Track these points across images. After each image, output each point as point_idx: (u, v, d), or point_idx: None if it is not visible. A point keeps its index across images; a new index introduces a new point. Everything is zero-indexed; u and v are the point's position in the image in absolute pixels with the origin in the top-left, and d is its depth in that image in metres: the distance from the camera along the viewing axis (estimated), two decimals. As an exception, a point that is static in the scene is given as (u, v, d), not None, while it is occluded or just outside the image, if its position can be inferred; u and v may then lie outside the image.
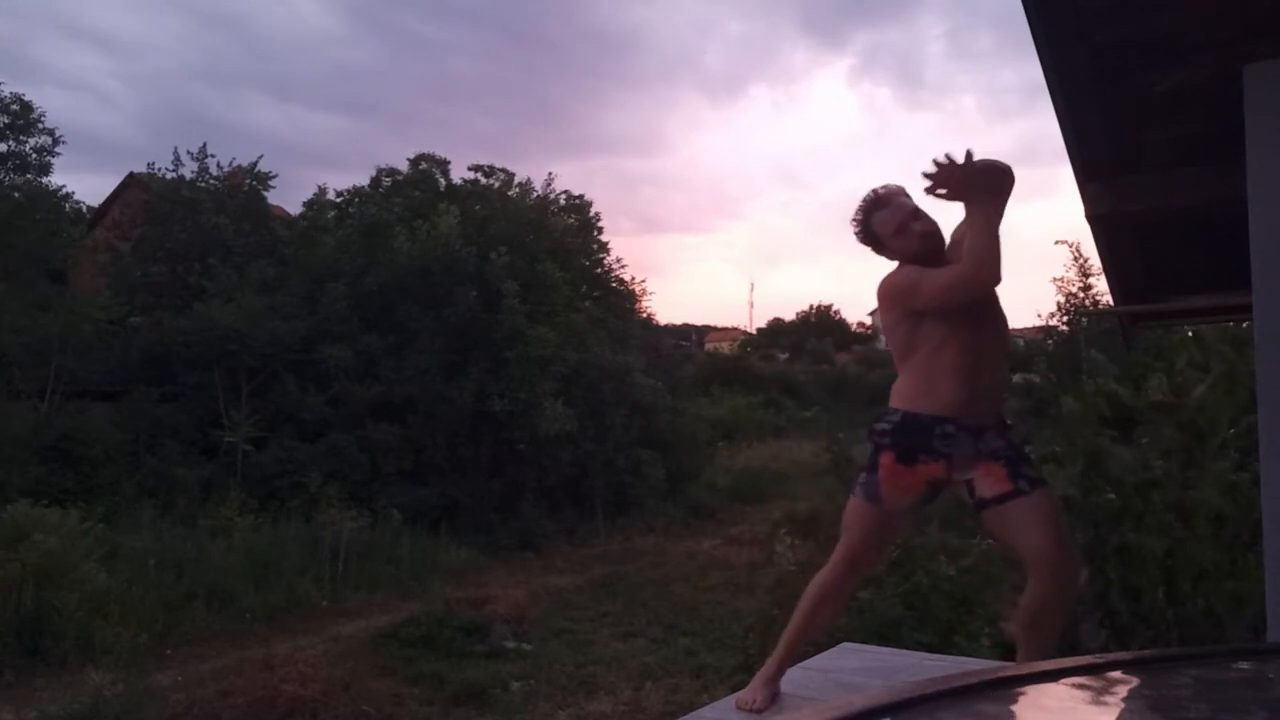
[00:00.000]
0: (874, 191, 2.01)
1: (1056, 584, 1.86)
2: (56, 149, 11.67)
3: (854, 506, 1.98)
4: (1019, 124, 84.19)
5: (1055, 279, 12.19)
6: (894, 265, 2.00)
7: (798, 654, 2.13)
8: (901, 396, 1.96)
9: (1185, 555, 3.82)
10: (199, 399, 11.67)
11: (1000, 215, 1.89)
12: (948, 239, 2.01)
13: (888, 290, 1.97)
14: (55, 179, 12.26)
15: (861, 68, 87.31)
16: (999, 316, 1.98)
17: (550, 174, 19.16)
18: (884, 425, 1.94)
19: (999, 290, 1.94)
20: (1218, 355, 4.20)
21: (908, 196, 2.00)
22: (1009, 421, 1.97)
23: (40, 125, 11.55)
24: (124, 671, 6.01)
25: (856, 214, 2.02)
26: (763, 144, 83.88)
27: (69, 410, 10.89)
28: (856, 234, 2.03)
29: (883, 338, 2.08)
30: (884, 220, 1.97)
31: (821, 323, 41.30)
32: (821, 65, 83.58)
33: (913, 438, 1.89)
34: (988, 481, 1.86)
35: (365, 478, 11.29)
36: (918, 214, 1.98)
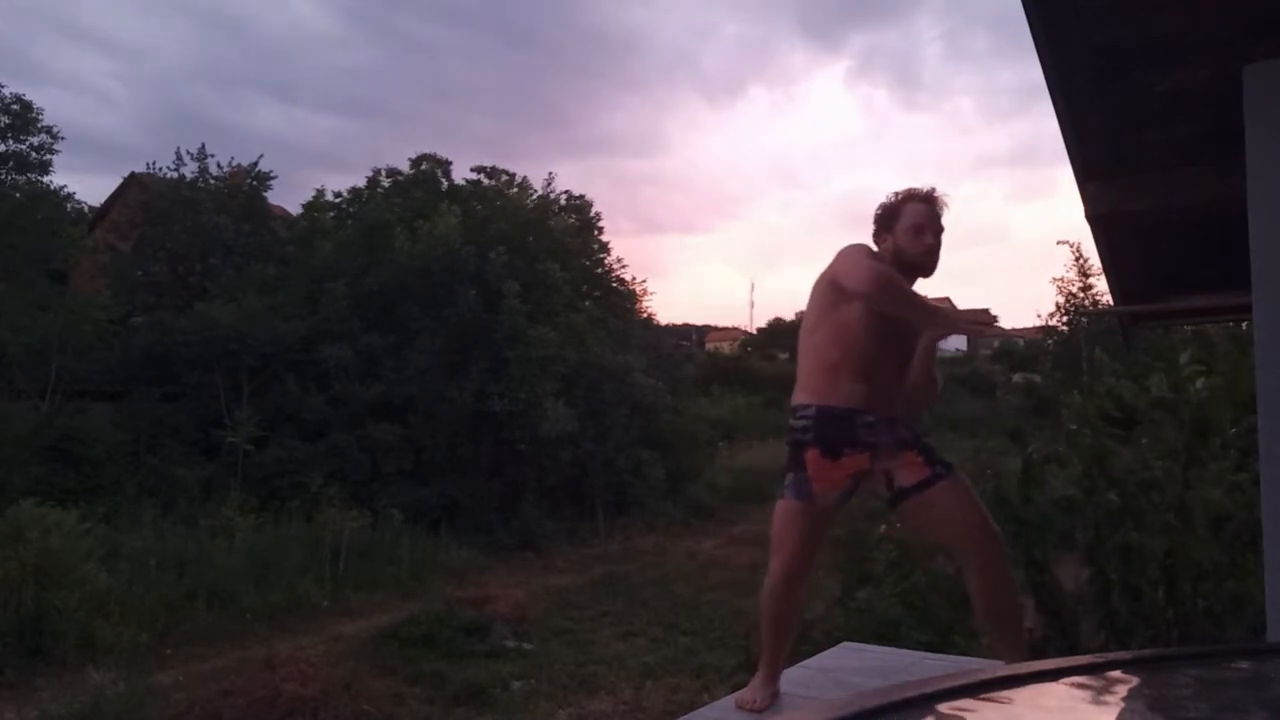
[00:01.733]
0: (930, 189, 2.04)
1: (990, 556, 1.91)
2: (56, 148, 11.70)
3: (786, 509, 1.97)
4: (1017, 125, 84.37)
5: (1055, 279, 12.19)
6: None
7: (785, 656, 2.13)
8: (807, 391, 1.98)
9: (1185, 555, 3.82)
10: (200, 399, 11.68)
11: (921, 318, 2.00)
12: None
13: (840, 255, 1.97)
14: (56, 179, 12.31)
15: (859, 69, 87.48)
16: (903, 338, 2.02)
17: (550, 174, 19.18)
18: (802, 421, 1.94)
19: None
20: (1222, 354, 4.20)
21: (943, 214, 2.03)
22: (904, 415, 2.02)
23: (40, 125, 11.57)
24: (125, 671, 6.02)
25: (901, 192, 2.04)
26: (762, 145, 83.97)
27: (70, 410, 10.90)
28: (885, 204, 2.04)
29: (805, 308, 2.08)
30: (916, 212, 2.00)
31: (822, 322, 41.12)
32: (819, 67, 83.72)
33: (833, 430, 1.92)
34: (908, 470, 1.91)
35: (366, 477, 11.30)
36: (939, 231, 2.01)
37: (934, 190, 2.03)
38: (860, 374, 1.94)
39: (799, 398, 1.99)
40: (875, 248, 2.02)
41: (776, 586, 2.01)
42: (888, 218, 2.02)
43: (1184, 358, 4.37)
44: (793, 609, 2.07)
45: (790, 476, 1.97)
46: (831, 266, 1.99)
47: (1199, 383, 4.01)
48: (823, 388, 1.95)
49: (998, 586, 1.94)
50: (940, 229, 2.01)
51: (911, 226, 1.97)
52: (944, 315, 1.99)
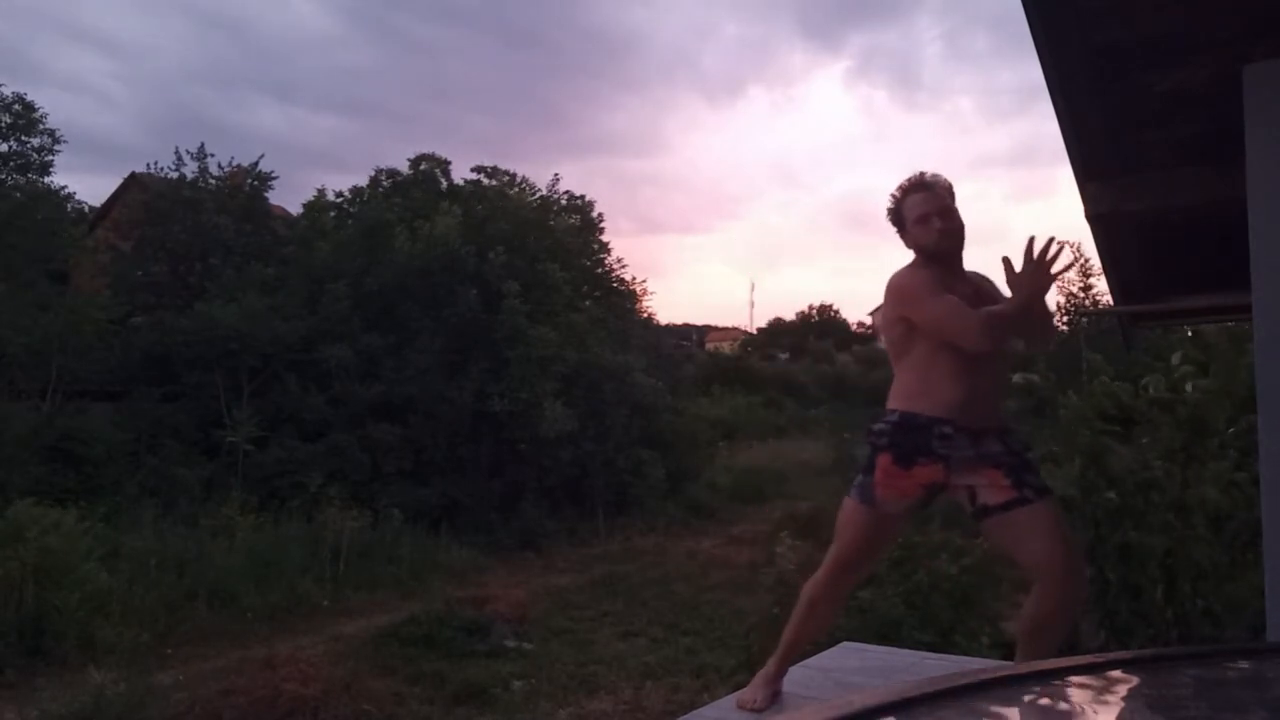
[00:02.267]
0: (921, 174, 2.01)
1: (1062, 594, 1.82)
2: (57, 148, 11.69)
3: (848, 508, 1.95)
4: (1016, 125, 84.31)
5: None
6: (908, 256, 2.00)
7: (798, 654, 2.13)
8: (899, 396, 1.93)
9: (1185, 555, 3.83)
10: (200, 399, 11.67)
11: (1024, 320, 1.89)
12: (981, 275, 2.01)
13: (894, 290, 1.96)
14: (56, 179, 12.31)
15: (859, 69, 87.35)
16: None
17: (556, 175, 19.18)
18: (881, 426, 1.92)
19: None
20: (1218, 353, 4.20)
21: (950, 196, 1.99)
22: (1011, 427, 1.95)
23: (41, 125, 11.57)
24: (125, 671, 6.01)
25: (897, 190, 2.02)
26: (761, 145, 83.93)
27: (70, 410, 10.90)
28: (889, 208, 2.03)
29: (881, 335, 2.07)
30: (915, 204, 1.97)
31: (822, 322, 41.30)
32: (819, 67, 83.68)
33: (910, 438, 1.86)
34: (991, 489, 1.83)
35: (366, 477, 11.30)
36: (947, 212, 1.96)
37: (925, 175, 2.00)
38: (953, 380, 1.86)
39: (890, 402, 1.95)
40: (905, 247, 2.01)
41: (822, 578, 1.98)
42: (898, 219, 2.02)
43: (1176, 358, 4.37)
44: (829, 609, 2.05)
45: (860, 478, 1.94)
46: (904, 305, 1.92)
47: (1189, 385, 4.01)
48: (911, 394, 1.91)
49: (1054, 624, 1.86)
50: (945, 208, 1.95)
51: (918, 219, 1.95)
52: (1025, 304, 1.84)
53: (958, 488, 1.87)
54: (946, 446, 1.84)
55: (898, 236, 2.03)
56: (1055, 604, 1.83)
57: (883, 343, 2.08)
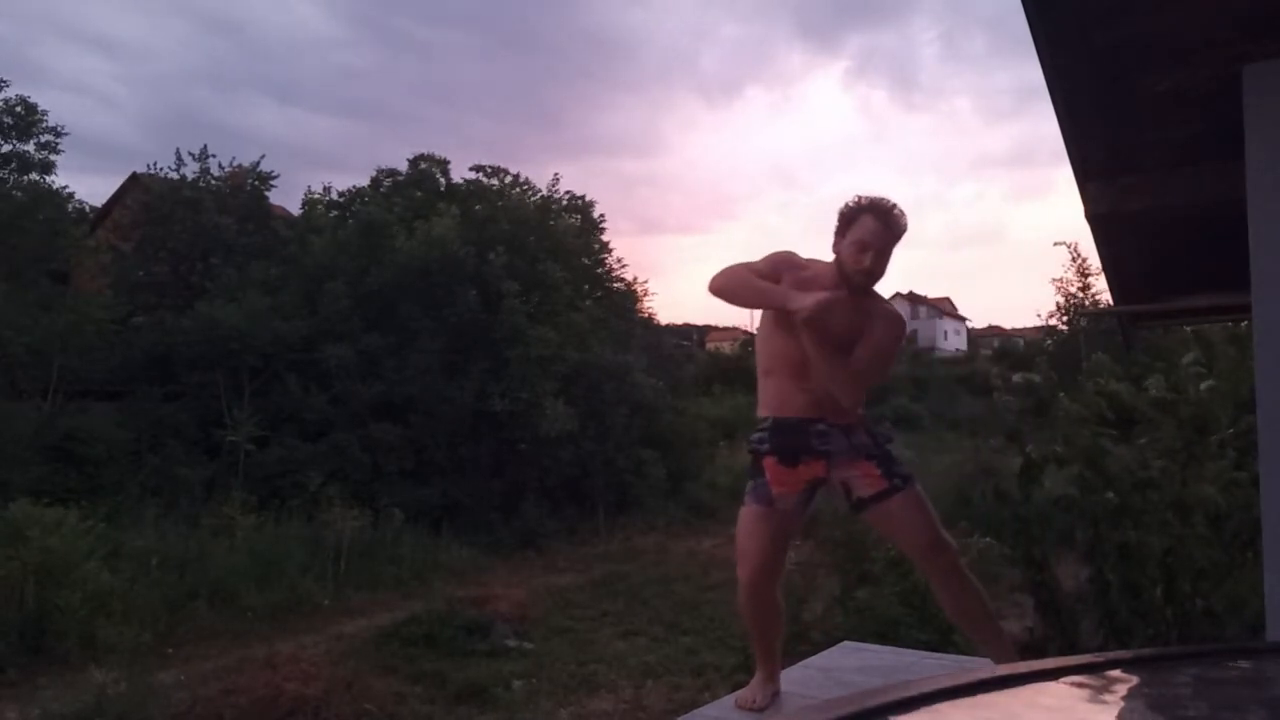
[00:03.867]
0: (893, 205, 1.96)
1: (945, 566, 1.94)
2: (59, 146, 11.69)
3: (748, 514, 2.01)
4: (1013, 125, 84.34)
5: (1054, 279, 12.20)
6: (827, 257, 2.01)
7: (778, 656, 2.14)
8: (766, 405, 2.03)
9: (1184, 554, 3.83)
10: (201, 398, 11.68)
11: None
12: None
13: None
14: (58, 180, 12.27)
15: (857, 70, 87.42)
16: (834, 338, 1.98)
17: (556, 175, 19.16)
18: (760, 434, 2.00)
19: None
20: (1222, 354, 4.20)
21: (898, 238, 1.97)
22: (868, 422, 2.00)
23: (43, 125, 11.57)
24: (126, 670, 6.02)
25: (863, 199, 1.98)
26: (759, 146, 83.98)
27: (72, 410, 10.90)
28: (845, 208, 1.99)
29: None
30: (867, 227, 1.93)
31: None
32: (817, 68, 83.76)
33: (790, 439, 1.96)
34: (864, 481, 1.93)
35: (367, 477, 11.30)
36: (884, 254, 1.95)
37: (894, 207, 1.95)
38: (799, 381, 1.95)
39: (759, 411, 2.04)
40: (831, 251, 2.00)
41: (745, 592, 2.03)
42: (844, 223, 1.98)
43: (1188, 359, 4.36)
44: (771, 610, 2.08)
45: (750, 484, 2.01)
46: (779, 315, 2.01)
47: (1203, 385, 4.00)
48: (775, 400, 2.00)
49: (959, 594, 1.97)
50: (885, 249, 1.94)
51: (856, 242, 1.93)
52: (788, 298, 1.91)
53: (835, 482, 1.97)
54: (826, 442, 1.94)
55: (836, 232, 2.00)
56: (946, 577, 1.95)
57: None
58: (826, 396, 1.94)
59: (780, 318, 1.97)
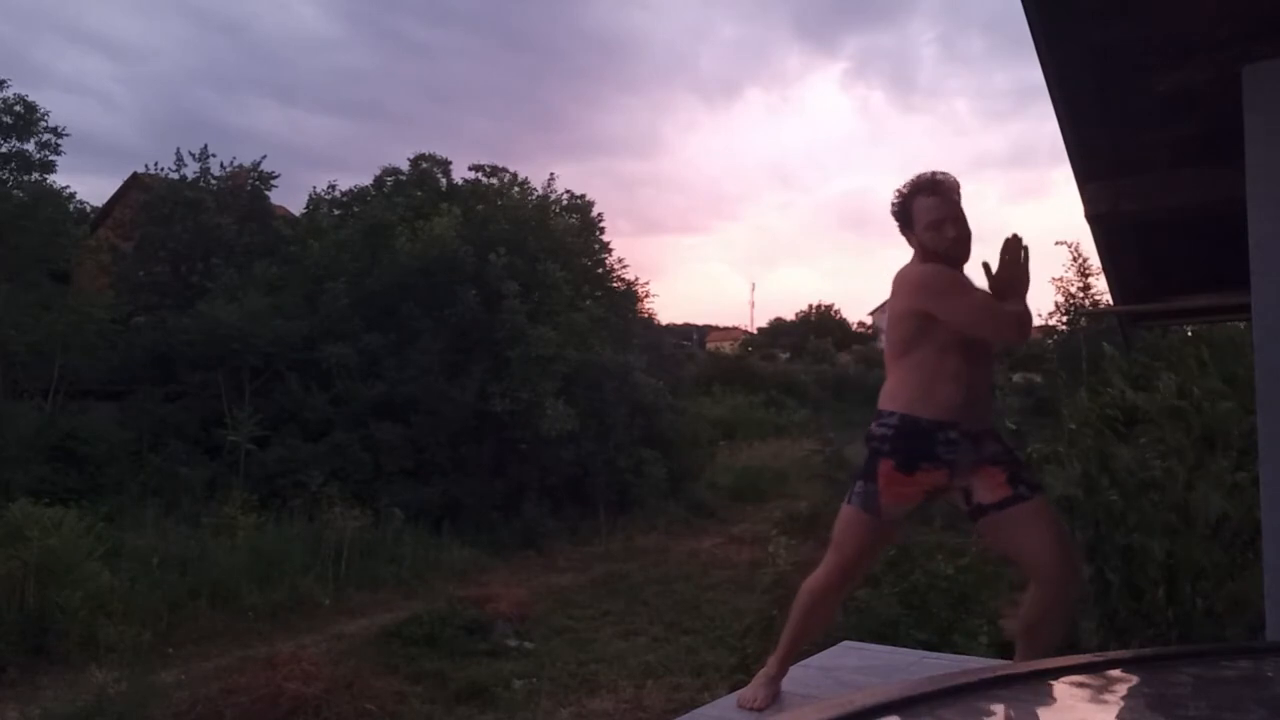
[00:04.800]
0: (932, 174, 1.92)
1: (1058, 590, 1.82)
2: (59, 145, 11.70)
3: (849, 517, 1.90)
4: (1012, 126, 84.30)
5: (1055, 279, 12.18)
6: (910, 253, 1.95)
7: (798, 654, 2.13)
8: (897, 399, 1.87)
9: (1185, 555, 3.83)
10: (202, 398, 11.69)
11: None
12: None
13: (916, 283, 1.88)
14: (59, 180, 12.30)
15: (855, 71, 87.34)
16: (988, 344, 1.97)
17: (552, 174, 19.16)
18: (883, 430, 1.86)
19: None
20: (1227, 358, 4.18)
21: (959, 196, 1.92)
22: (1011, 426, 1.98)
23: (43, 125, 11.58)
24: (127, 669, 6.03)
25: (905, 187, 1.94)
26: (759, 146, 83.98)
27: (73, 410, 10.91)
28: (895, 204, 1.94)
29: (884, 332, 2.02)
30: (927, 207, 1.88)
31: (822, 322, 41.28)
32: (815, 69, 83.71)
33: (914, 443, 1.82)
34: (987, 487, 1.81)
35: (368, 477, 11.30)
36: (959, 218, 1.90)
37: (936, 175, 1.91)
38: (955, 382, 1.84)
39: (885, 403, 1.89)
40: (910, 247, 1.95)
41: (820, 584, 1.95)
42: (904, 217, 1.93)
43: (1191, 364, 4.33)
44: (827, 612, 2.04)
45: (860, 485, 1.88)
46: (928, 299, 1.87)
47: (1222, 405, 3.97)
48: (912, 396, 1.85)
49: (1051, 620, 1.85)
50: (958, 215, 1.89)
51: (929, 224, 1.87)
52: (1019, 292, 1.89)
53: (956, 489, 1.87)
54: (952, 451, 1.81)
55: (901, 233, 1.96)
56: (1052, 600, 1.83)
57: (882, 342, 2.05)
58: (974, 400, 1.84)
59: (944, 330, 1.86)
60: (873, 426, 1.90)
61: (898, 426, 1.84)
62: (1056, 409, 4.85)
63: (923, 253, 1.92)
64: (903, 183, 1.96)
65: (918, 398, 1.84)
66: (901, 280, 1.92)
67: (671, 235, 72.20)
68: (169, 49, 47.14)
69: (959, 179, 1.95)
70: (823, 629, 2.11)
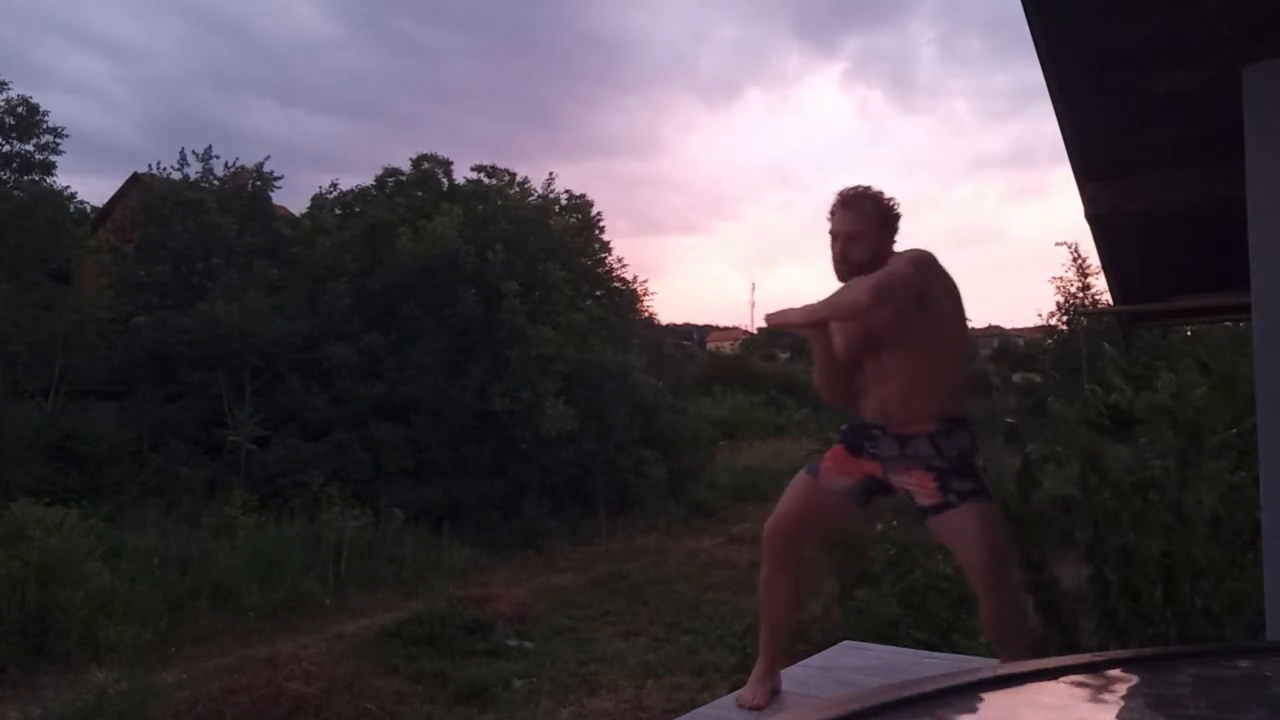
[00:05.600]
0: (845, 191, 2.04)
1: (993, 593, 1.90)
2: (59, 146, 11.70)
3: (795, 479, 2.12)
4: (1011, 127, 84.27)
5: (1055, 279, 12.19)
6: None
7: (781, 648, 2.14)
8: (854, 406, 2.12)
9: (1184, 555, 3.83)
10: (203, 398, 11.69)
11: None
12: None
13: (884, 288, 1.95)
14: (59, 180, 12.29)
15: (854, 71, 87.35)
16: (893, 341, 1.99)
17: (551, 174, 19.16)
18: (845, 425, 2.13)
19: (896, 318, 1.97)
20: (1217, 357, 4.20)
21: (848, 212, 2.04)
22: (954, 430, 1.96)
23: (44, 125, 11.58)
24: (128, 669, 6.03)
25: (880, 192, 2.02)
26: (758, 147, 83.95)
27: (73, 410, 10.92)
28: (871, 206, 2.00)
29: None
30: (831, 221, 2.04)
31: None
32: (815, 70, 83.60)
33: (857, 436, 2.05)
34: (921, 492, 1.94)
35: (368, 476, 11.31)
36: (841, 235, 2.03)
37: (845, 192, 2.03)
38: (878, 384, 2.01)
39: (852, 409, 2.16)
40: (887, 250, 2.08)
41: (765, 544, 2.11)
42: (884, 222, 2.07)
43: (1184, 364, 4.35)
44: (783, 586, 2.09)
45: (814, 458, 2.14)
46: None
47: (1198, 391, 4.01)
48: (856, 403, 2.09)
49: (1004, 620, 1.94)
50: (842, 232, 2.00)
51: (830, 234, 2.05)
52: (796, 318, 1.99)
53: (897, 487, 2.00)
54: (875, 447, 1.99)
55: (885, 238, 2.04)
56: (992, 602, 1.91)
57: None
58: (890, 402, 1.98)
59: (851, 327, 2.05)
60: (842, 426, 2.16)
61: (850, 423, 2.11)
62: (1048, 409, 4.86)
63: (841, 257, 2.06)
64: (877, 189, 2.05)
65: (859, 399, 2.07)
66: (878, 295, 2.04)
67: (671, 235, 72.21)
68: (169, 49, 47.13)
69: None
70: (791, 609, 2.13)
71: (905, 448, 1.95)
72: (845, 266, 2.00)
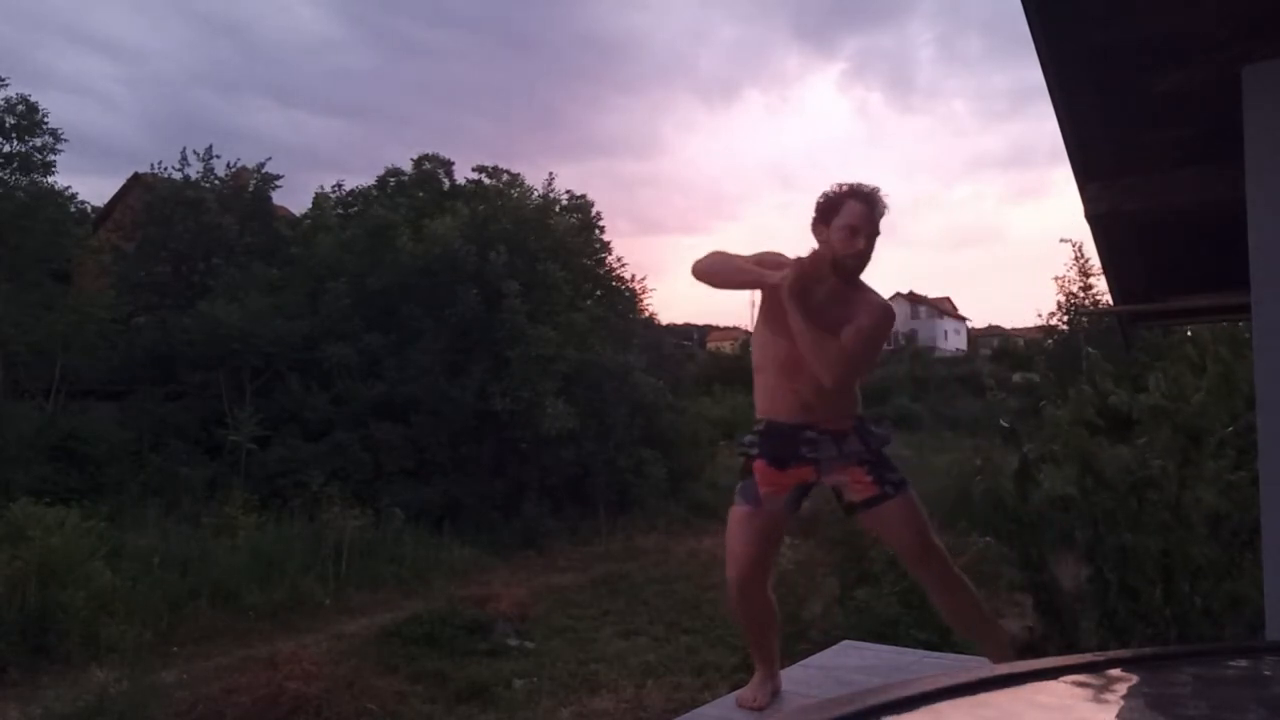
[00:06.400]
0: (875, 189, 1.98)
1: (934, 571, 1.96)
2: (59, 148, 11.71)
3: (735, 514, 2.01)
4: (1010, 127, 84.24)
5: (1056, 278, 12.19)
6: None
7: (776, 652, 2.14)
8: (761, 406, 2.04)
9: (1183, 554, 3.83)
10: (203, 398, 11.70)
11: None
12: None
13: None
14: (60, 181, 12.30)
15: (854, 72, 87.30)
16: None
17: (551, 174, 19.17)
18: (751, 438, 2.02)
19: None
20: (1214, 357, 4.20)
21: (882, 218, 1.98)
22: (872, 427, 2.00)
23: (44, 126, 11.59)
24: (129, 669, 6.03)
25: (844, 186, 1.98)
26: (758, 147, 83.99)
27: (74, 409, 10.93)
28: (826, 195, 1.98)
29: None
30: (855, 211, 1.93)
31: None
32: (814, 70, 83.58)
33: (779, 444, 1.96)
34: (855, 487, 1.94)
35: (368, 476, 11.31)
36: (873, 236, 1.95)
37: (877, 190, 1.97)
38: (788, 380, 1.95)
39: (757, 412, 2.05)
40: (814, 239, 1.99)
41: (734, 591, 2.02)
42: (827, 211, 1.97)
43: (1179, 366, 4.35)
44: (763, 610, 2.07)
45: (740, 485, 2.02)
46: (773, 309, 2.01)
47: (1197, 396, 4.00)
48: (765, 400, 2.01)
49: (951, 597, 1.99)
50: (875, 232, 1.96)
51: (846, 227, 1.92)
52: (765, 275, 1.93)
53: (827, 486, 1.99)
54: (815, 450, 1.95)
55: (814, 222, 1.99)
56: (933, 585, 1.97)
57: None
58: (817, 399, 1.93)
59: (770, 314, 1.98)
60: (743, 438, 2.06)
61: (764, 432, 1.99)
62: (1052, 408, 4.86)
63: (822, 249, 1.97)
64: (844, 182, 2.00)
65: (771, 403, 1.99)
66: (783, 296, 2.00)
67: (671, 235, 72.19)
68: (170, 50, 47.17)
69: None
70: (772, 623, 2.13)
71: (841, 446, 1.94)
72: (860, 262, 1.95)
